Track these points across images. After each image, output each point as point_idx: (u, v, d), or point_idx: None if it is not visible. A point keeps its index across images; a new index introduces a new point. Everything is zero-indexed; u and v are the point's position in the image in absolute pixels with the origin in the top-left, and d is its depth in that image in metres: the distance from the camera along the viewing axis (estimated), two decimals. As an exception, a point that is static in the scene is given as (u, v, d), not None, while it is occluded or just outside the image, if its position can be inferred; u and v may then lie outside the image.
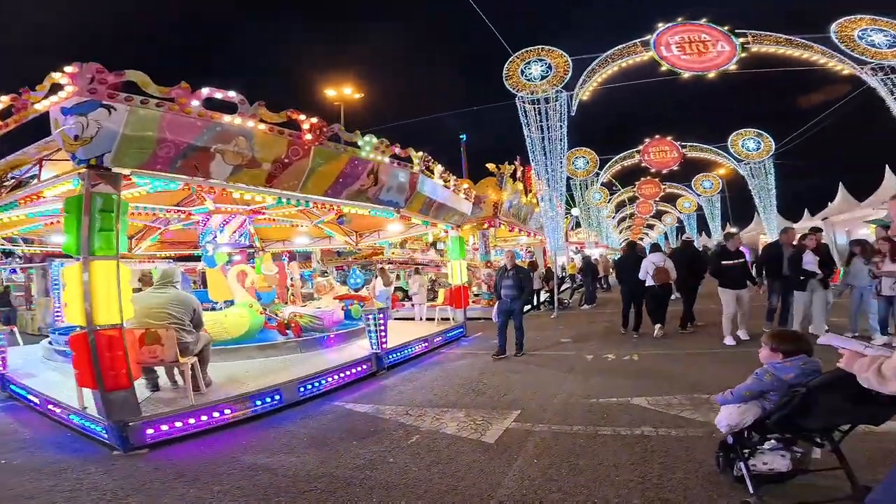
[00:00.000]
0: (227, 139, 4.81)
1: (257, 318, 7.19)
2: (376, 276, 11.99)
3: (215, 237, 7.91)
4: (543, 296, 14.51)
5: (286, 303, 9.20)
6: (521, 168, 15.65)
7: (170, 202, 7.94)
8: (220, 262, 8.03)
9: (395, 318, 12.05)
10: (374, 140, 6.18)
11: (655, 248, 9.21)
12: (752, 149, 22.92)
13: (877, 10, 11.77)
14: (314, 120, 5.42)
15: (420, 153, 7.05)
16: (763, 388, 2.49)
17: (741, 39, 12.51)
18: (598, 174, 28.21)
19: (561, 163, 13.61)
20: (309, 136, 5.35)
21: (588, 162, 28.06)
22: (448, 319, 10.25)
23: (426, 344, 8.36)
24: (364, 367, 6.55)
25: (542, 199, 13.36)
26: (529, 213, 16.92)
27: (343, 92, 20.13)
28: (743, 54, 12.41)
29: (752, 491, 2.48)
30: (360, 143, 6.02)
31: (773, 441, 2.56)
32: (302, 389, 5.45)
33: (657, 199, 38.56)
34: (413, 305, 12.11)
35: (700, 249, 11.39)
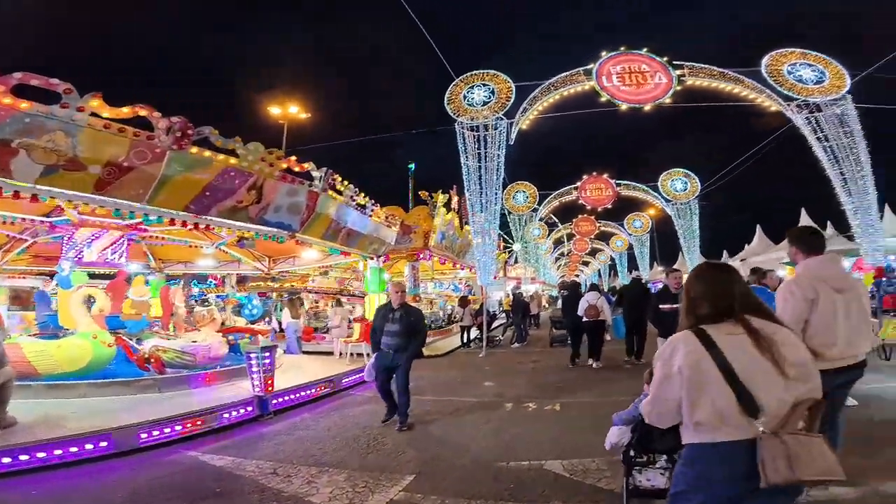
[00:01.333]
0: (37, 133, 3.64)
1: (102, 350, 5.92)
2: (283, 308, 10.65)
3: (80, 254, 6.56)
4: (474, 333, 13.66)
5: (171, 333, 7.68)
6: (458, 198, 15.00)
7: (38, 211, 6.44)
8: (77, 283, 6.54)
9: (311, 353, 10.87)
10: (261, 149, 5.12)
11: (593, 287, 10.20)
12: (679, 189, 23.83)
13: (810, 44, 12.04)
14: (175, 119, 4.30)
15: (323, 169, 6.04)
16: (636, 413, 2.58)
17: (678, 71, 12.56)
18: (536, 209, 28.36)
19: (496, 193, 13.07)
20: (165, 139, 4.20)
21: (528, 196, 28.22)
22: (364, 356, 9.10)
23: (329, 385, 7.29)
24: (243, 410, 5.63)
25: (475, 230, 12.68)
26: (466, 247, 16.25)
27: (288, 110, 18.96)
28: (678, 87, 12.43)
29: (625, 497, 2.88)
30: (239, 151, 4.94)
31: (663, 460, 2.86)
32: (144, 435, 4.57)
33: (592, 236, 39.73)
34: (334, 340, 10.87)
35: (648, 287, 11.64)
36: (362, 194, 7.26)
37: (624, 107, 12.96)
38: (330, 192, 6.27)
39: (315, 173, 5.93)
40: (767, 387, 1.65)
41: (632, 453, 2.80)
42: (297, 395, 6.59)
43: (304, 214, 5.94)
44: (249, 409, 5.77)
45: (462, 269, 17.56)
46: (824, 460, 1.62)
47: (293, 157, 5.65)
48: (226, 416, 5.44)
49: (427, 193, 12.97)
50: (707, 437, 1.71)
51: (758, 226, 22.38)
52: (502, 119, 13.59)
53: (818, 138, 11.69)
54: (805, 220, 18.74)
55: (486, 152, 13.28)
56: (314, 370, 7.96)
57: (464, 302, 13.80)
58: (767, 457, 1.59)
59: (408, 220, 12.95)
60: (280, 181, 5.56)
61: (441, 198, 12.92)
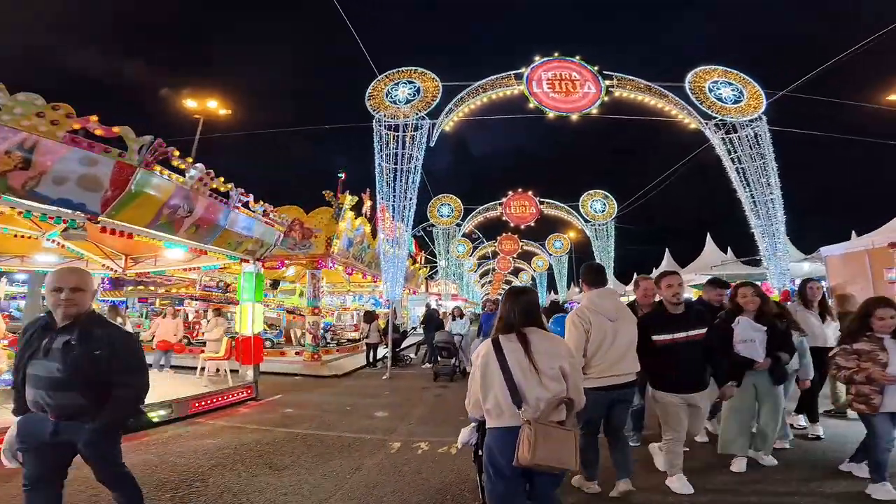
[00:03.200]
0: None
1: None
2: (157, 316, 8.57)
3: None
4: (382, 351, 12.17)
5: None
6: (370, 203, 13.53)
7: None
8: None
9: (180, 368, 9.09)
10: (39, 102, 3.48)
11: (554, 306, 10.16)
12: (598, 210, 24.25)
13: (728, 62, 12.30)
14: None
15: (147, 138, 4.38)
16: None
17: (607, 82, 12.39)
18: (459, 225, 27.63)
19: (411, 199, 11.87)
20: None
21: (453, 210, 27.51)
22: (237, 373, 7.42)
23: (169, 410, 5.67)
24: None
25: (385, 238, 11.31)
26: (378, 258, 14.80)
27: (206, 105, 17.15)
28: (606, 98, 12.23)
29: (481, 498, 2.66)
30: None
31: None
32: None
33: (515, 255, 40.01)
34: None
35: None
36: (221, 179, 5.63)
37: (551, 114, 12.59)
38: (158, 169, 4.60)
39: (133, 143, 4.25)
40: (529, 385, 2.22)
41: (479, 453, 2.75)
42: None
43: (107, 192, 4.25)
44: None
45: (373, 282, 16.03)
46: (562, 451, 2.13)
47: (94, 117, 3.99)
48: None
49: (332, 194, 11.39)
50: (493, 422, 2.27)
51: (666, 249, 23.15)
52: (425, 119, 12.60)
53: (732, 159, 11.83)
54: (709, 244, 19.45)
55: (403, 153, 12.14)
56: (169, 391, 6.20)
57: (370, 317, 12.28)
58: (521, 440, 2.11)
59: (308, 223, 11.31)
60: (66, 144, 3.85)
61: (348, 199, 11.42)
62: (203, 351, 9.37)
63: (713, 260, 17.93)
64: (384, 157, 12.21)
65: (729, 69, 12.23)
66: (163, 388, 6.54)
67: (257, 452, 4.63)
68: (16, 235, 7.70)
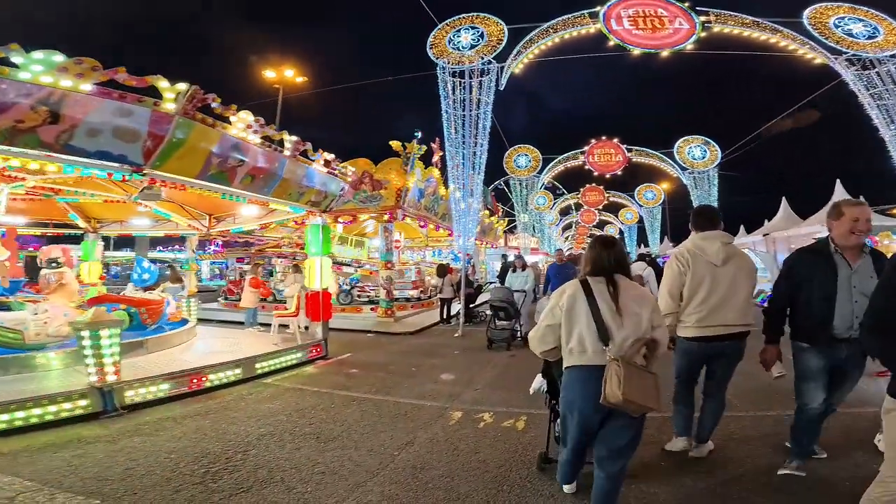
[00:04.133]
0: None
1: None
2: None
3: None
4: (456, 307, 11.87)
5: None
6: (441, 154, 12.90)
7: None
8: None
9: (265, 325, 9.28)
10: (52, 56, 3.27)
11: (641, 257, 10.02)
12: (697, 157, 21.58)
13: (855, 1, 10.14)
14: None
15: (182, 85, 4.08)
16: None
17: (703, 18, 10.67)
18: (539, 175, 26.11)
19: (482, 145, 11.08)
20: None
21: (530, 160, 26.01)
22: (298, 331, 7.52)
23: (236, 371, 5.65)
24: (69, 405, 4.15)
25: (453, 184, 10.72)
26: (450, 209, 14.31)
27: (283, 74, 18.28)
28: (703, 34, 10.56)
29: (546, 448, 3.26)
30: (13, 57, 3.10)
31: None
32: None
33: (600, 207, 37.53)
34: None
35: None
36: (273, 126, 5.29)
37: (636, 52, 11.07)
38: (201, 117, 4.32)
39: (167, 91, 3.96)
40: (616, 325, 2.22)
41: (553, 402, 2.93)
42: (174, 384, 4.98)
43: (146, 143, 4.04)
44: (83, 403, 4.19)
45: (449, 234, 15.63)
46: (647, 392, 2.10)
47: (122, 68, 3.73)
48: (37, 411, 3.94)
49: (400, 144, 10.89)
50: (575, 360, 2.28)
51: (783, 198, 20.02)
52: (492, 63, 11.62)
53: (872, 95, 9.63)
54: (840, 192, 16.40)
55: (471, 98, 11.30)
56: (233, 349, 6.40)
57: (442, 271, 11.91)
58: (607, 377, 2.11)
59: (377, 175, 11.00)
60: (96, 96, 3.65)
61: (416, 148, 10.86)
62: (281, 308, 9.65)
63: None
64: (450, 104, 11.46)
65: (857, 6, 10.20)
66: (238, 347, 6.72)
67: (309, 420, 4.41)
68: (106, 200, 8.22)
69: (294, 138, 5.97)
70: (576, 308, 2.28)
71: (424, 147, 11.39)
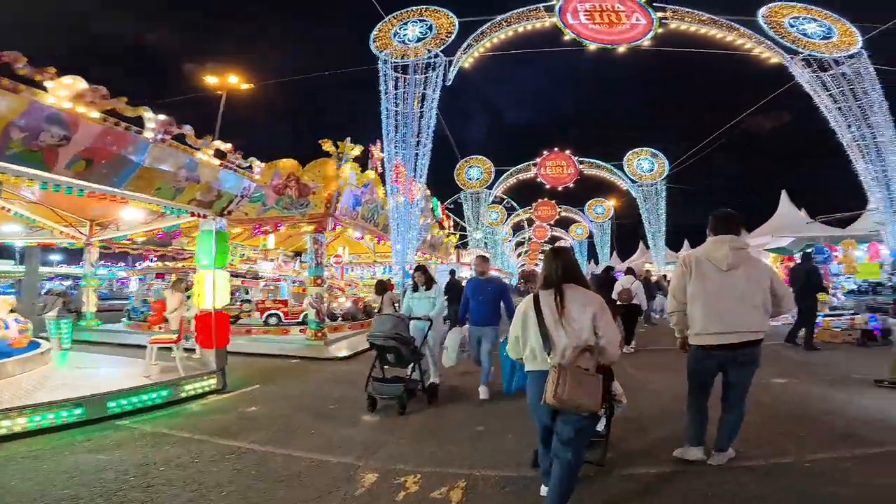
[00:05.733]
0: None
1: None
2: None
3: None
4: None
5: None
6: (382, 155, 11.63)
7: None
8: None
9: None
10: None
11: (628, 270, 10.04)
12: (646, 169, 21.62)
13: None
14: None
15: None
16: None
17: (660, 14, 10.49)
18: (490, 187, 25.42)
19: (426, 145, 9.99)
20: None
21: (482, 172, 25.41)
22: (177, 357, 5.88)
23: (75, 411, 4.29)
24: None
25: (390, 189, 9.50)
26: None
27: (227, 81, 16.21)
28: (660, 30, 10.37)
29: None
30: None
31: None
32: None
33: (552, 222, 37.55)
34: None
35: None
36: (124, 99, 3.87)
37: (592, 47, 10.60)
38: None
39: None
40: (558, 334, 2.46)
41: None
42: None
43: None
44: None
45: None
46: (580, 394, 2.32)
47: None
48: None
49: (331, 143, 9.56)
50: (529, 366, 2.64)
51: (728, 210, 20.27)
52: (439, 56, 10.70)
53: (832, 96, 9.35)
54: (785, 202, 16.55)
55: (415, 92, 10.27)
56: (99, 383, 4.74)
57: (381, 287, 10.47)
58: (548, 381, 2.37)
59: (305, 178, 9.59)
60: None
61: (350, 148, 9.55)
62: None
63: (790, 221, 15.16)
64: (391, 99, 10.36)
65: (811, 6, 10.25)
66: (103, 378, 5.12)
67: (147, 482, 3.11)
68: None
69: (162, 117, 4.54)
70: (527, 321, 2.59)
71: (361, 147, 10.10)
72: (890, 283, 9.52)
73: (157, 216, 6.73)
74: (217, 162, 5.36)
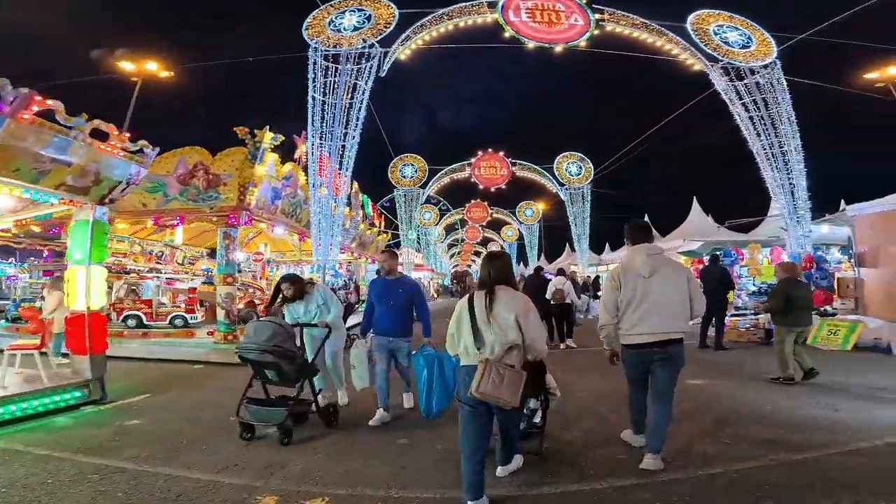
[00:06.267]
0: None
1: None
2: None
3: None
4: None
5: None
6: (310, 151, 10.88)
7: None
8: None
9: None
10: None
11: (560, 272, 10.42)
12: (574, 173, 22.37)
13: (733, 9, 10.66)
14: None
15: None
16: None
17: (597, 15, 10.70)
18: (424, 186, 25.10)
19: (353, 136, 9.46)
20: None
21: (416, 170, 25.00)
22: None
23: None
24: None
25: (312, 181, 8.89)
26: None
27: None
28: (596, 31, 10.59)
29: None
30: None
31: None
32: None
33: (484, 223, 38.03)
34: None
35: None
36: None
37: (531, 45, 10.73)
38: None
39: None
40: (486, 332, 2.70)
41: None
42: None
43: None
44: None
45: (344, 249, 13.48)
46: (503, 389, 2.56)
47: None
48: None
49: (246, 130, 8.72)
50: (463, 361, 2.83)
51: (646, 216, 21.51)
52: (375, 47, 10.24)
53: (744, 104, 9.97)
54: (696, 210, 17.73)
55: (347, 82, 9.77)
56: None
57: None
58: (476, 375, 2.61)
59: (215, 168, 8.71)
60: None
61: (268, 137, 8.77)
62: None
63: (700, 226, 16.26)
64: (318, 88, 9.74)
65: (735, 15, 10.77)
66: None
67: None
68: None
69: (24, 91, 3.74)
70: (462, 319, 2.84)
71: (282, 137, 9.35)
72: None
73: (29, 203, 5.66)
74: (94, 142, 4.54)
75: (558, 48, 10.58)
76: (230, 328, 8.91)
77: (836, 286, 9.52)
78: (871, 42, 11.58)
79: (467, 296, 2.87)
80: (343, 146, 9.47)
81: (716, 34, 10.33)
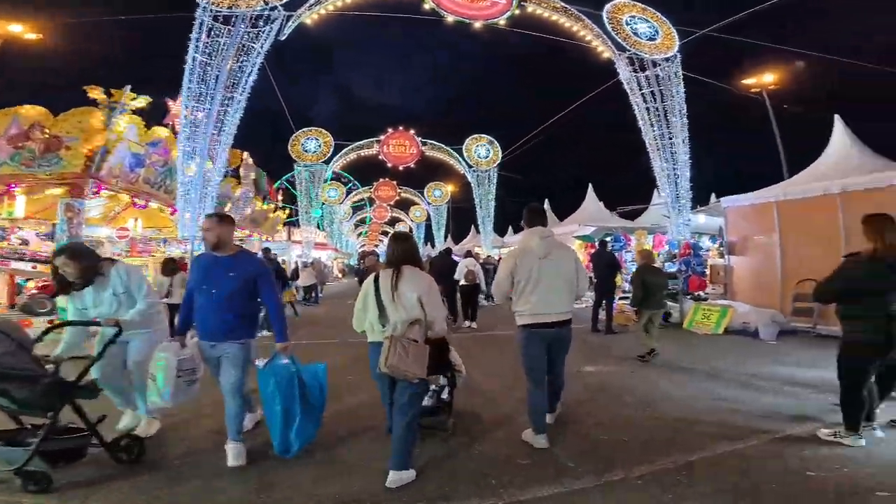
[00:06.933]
0: None
1: None
2: None
3: None
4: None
5: None
6: (182, 115, 9.35)
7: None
8: None
9: None
10: None
11: (468, 254, 11.00)
12: (482, 156, 22.48)
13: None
14: None
15: None
16: None
17: None
18: (328, 162, 23.66)
19: (239, 100, 8.33)
20: None
21: (321, 144, 23.40)
22: None
23: None
24: None
25: (182, 145, 7.69)
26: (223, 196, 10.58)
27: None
28: (517, 11, 10.44)
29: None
30: None
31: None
32: None
33: (392, 202, 37.27)
34: None
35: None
36: None
37: (450, 18, 10.43)
38: None
39: None
40: (391, 308, 2.84)
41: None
42: None
43: None
44: None
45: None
46: (410, 362, 2.70)
47: None
48: None
49: (100, 90, 7.19)
50: (370, 338, 3.02)
51: (546, 201, 22.39)
52: (278, 9, 9.09)
53: (643, 95, 10.39)
54: (591, 196, 18.71)
55: (232, 43, 8.56)
56: None
57: (171, 267, 8.19)
58: (382, 351, 2.74)
59: (57, 129, 7.12)
60: None
61: (128, 98, 7.30)
62: None
63: (594, 212, 17.23)
64: (200, 48, 8.39)
65: (648, 7, 11.12)
66: None
67: None
68: None
69: None
70: (367, 297, 2.95)
71: (147, 98, 7.90)
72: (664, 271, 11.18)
73: None
74: None
75: (477, 24, 10.31)
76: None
77: (708, 273, 10.47)
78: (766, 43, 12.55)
79: (373, 274, 2.98)
80: (225, 111, 8.25)
81: (627, 24, 10.55)
